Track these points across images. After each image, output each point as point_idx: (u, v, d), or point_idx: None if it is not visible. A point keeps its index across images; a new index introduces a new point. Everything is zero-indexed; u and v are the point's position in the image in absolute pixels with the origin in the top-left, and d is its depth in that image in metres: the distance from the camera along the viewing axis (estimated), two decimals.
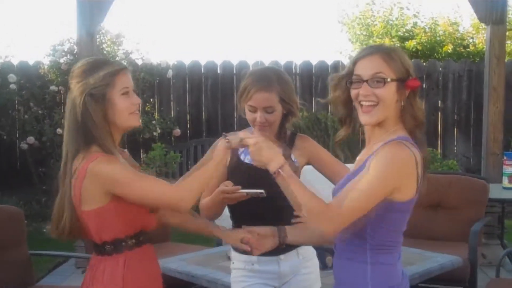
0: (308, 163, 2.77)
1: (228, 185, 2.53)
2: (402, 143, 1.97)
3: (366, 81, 1.99)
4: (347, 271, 2.12)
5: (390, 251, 2.07)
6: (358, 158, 2.18)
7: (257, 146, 2.11)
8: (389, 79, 1.97)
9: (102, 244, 2.29)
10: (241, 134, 2.26)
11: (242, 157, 2.71)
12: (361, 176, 1.97)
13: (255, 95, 2.58)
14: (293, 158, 2.69)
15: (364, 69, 2.00)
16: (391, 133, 2.04)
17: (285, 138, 2.73)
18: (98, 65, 2.27)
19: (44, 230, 7.68)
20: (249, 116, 2.64)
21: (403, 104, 2.01)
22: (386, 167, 1.93)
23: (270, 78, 2.62)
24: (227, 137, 2.29)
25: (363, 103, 2.02)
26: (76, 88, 2.23)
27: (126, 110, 2.27)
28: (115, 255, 2.28)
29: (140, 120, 2.40)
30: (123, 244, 2.28)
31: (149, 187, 2.22)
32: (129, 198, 2.21)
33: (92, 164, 2.18)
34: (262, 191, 2.41)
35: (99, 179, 2.19)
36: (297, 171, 2.68)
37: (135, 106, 2.30)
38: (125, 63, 2.53)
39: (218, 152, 2.31)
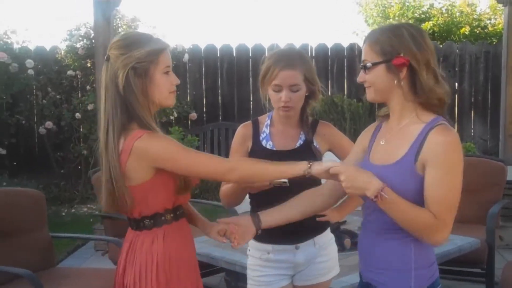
0: (329, 150, 2.76)
1: None
2: (447, 126, 2.01)
3: (362, 67, 2.11)
4: (390, 248, 2.08)
5: None
6: (383, 139, 2.17)
7: (348, 175, 2.02)
8: (370, 64, 2.07)
9: (141, 219, 2.29)
10: (329, 164, 2.13)
11: (264, 143, 2.71)
12: (437, 173, 1.95)
13: (280, 73, 2.56)
14: (315, 144, 2.70)
15: (363, 56, 2.13)
16: (421, 115, 2.05)
17: (308, 123, 2.72)
18: (143, 40, 2.25)
19: (63, 214, 7.79)
20: (273, 96, 2.62)
21: (402, 83, 2.04)
22: (457, 157, 1.97)
23: (293, 57, 2.62)
24: (310, 163, 2.18)
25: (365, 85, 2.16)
26: (119, 60, 2.20)
27: (167, 89, 2.27)
28: (154, 229, 2.29)
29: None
30: (162, 219, 2.29)
31: (196, 158, 2.22)
32: (177, 171, 2.21)
33: (137, 142, 2.16)
34: (285, 180, 2.33)
35: (147, 156, 2.17)
36: (319, 155, 2.69)
37: (174, 86, 2.30)
38: None
39: (295, 170, 2.21)
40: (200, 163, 2.22)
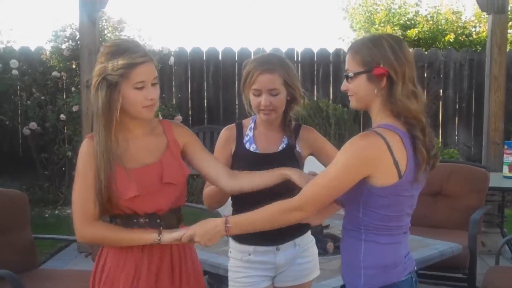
0: (311, 155, 2.77)
1: None
2: (373, 131, 2.05)
3: (345, 76, 2.17)
4: (346, 247, 2.21)
5: (387, 233, 2.12)
6: None
7: (198, 235, 2.17)
8: (352, 74, 2.12)
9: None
10: (177, 234, 2.21)
11: (247, 146, 2.72)
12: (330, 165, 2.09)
13: (259, 78, 2.59)
14: (297, 148, 2.71)
15: (346, 66, 2.19)
16: (377, 122, 2.11)
17: (290, 127, 2.74)
18: (122, 51, 2.18)
19: (47, 215, 7.74)
20: (254, 101, 2.64)
21: (382, 93, 2.09)
22: (346, 156, 2.04)
23: (273, 61, 2.63)
24: (160, 235, 2.23)
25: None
26: (96, 69, 2.21)
27: (139, 104, 2.21)
28: None
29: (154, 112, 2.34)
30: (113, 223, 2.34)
31: (75, 195, 2.26)
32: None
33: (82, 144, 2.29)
34: None
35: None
36: (301, 160, 2.71)
37: (149, 101, 2.23)
38: None
39: (146, 239, 2.24)
40: (75, 201, 2.27)
